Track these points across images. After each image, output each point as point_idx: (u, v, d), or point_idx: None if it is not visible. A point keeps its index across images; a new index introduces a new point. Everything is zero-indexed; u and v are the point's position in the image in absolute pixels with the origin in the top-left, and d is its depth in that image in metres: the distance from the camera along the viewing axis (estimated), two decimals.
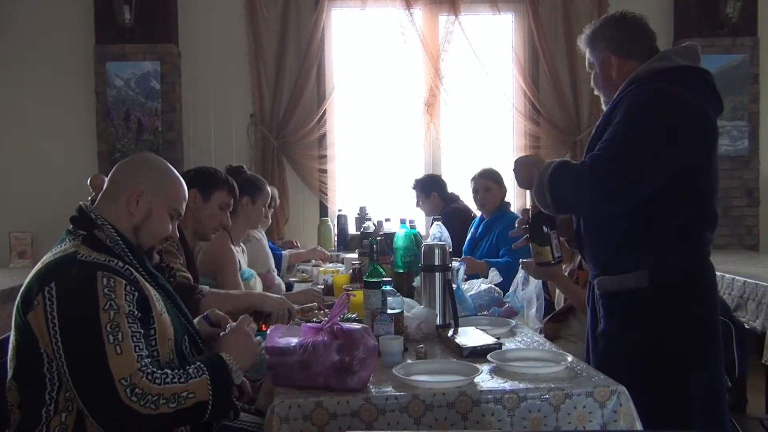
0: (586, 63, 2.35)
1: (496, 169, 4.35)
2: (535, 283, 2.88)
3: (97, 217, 1.80)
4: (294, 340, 1.85)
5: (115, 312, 1.63)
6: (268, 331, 1.95)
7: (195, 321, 2.11)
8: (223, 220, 2.80)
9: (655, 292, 2.09)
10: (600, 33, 2.27)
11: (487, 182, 4.18)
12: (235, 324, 1.94)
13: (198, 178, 2.77)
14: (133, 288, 1.70)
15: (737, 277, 3.87)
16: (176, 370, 1.67)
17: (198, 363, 1.71)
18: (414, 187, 4.92)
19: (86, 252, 1.73)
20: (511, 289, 2.94)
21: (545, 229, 2.24)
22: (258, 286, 3.38)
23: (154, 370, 1.63)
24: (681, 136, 2.04)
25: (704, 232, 2.17)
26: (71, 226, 1.82)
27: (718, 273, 3.96)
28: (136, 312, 1.68)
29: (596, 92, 2.36)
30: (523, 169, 2.26)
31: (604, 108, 2.33)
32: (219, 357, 1.75)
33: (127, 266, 1.75)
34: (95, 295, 1.64)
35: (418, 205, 4.96)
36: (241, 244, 3.47)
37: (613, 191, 2.02)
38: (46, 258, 1.76)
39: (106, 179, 1.90)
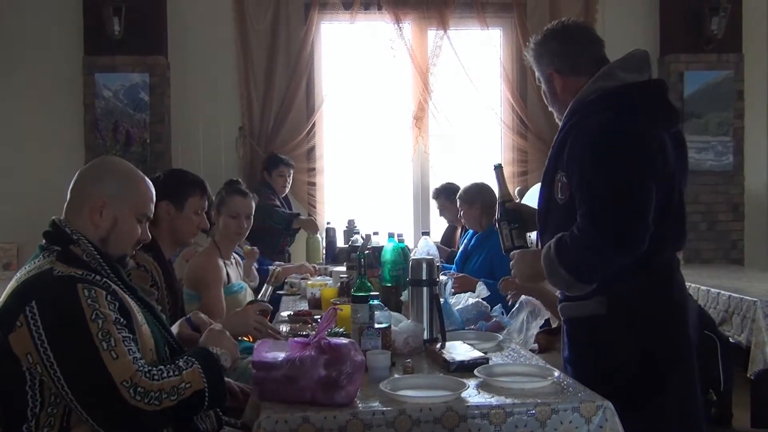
0: (535, 77, 2.26)
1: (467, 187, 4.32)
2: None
3: (72, 232, 1.78)
4: (281, 355, 1.85)
5: (102, 320, 1.64)
6: (255, 345, 1.95)
7: (177, 323, 2.18)
8: (200, 224, 2.73)
9: (612, 319, 2.02)
10: (542, 47, 2.17)
11: (461, 204, 4.18)
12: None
13: (168, 187, 2.63)
14: (113, 298, 1.71)
15: (722, 292, 3.90)
16: (168, 366, 1.71)
17: (186, 357, 1.77)
18: (441, 196, 5.02)
19: (62, 267, 1.71)
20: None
21: (499, 220, 2.38)
22: (249, 298, 3.37)
23: (151, 368, 1.66)
24: (632, 166, 1.96)
25: (664, 253, 2.07)
26: (44, 241, 1.80)
27: (703, 287, 4.05)
28: (122, 319, 1.69)
29: (549, 108, 2.26)
30: (526, 265, 2.19)
31: (558, 122, 2.22)
32: (203, 348, 1.82)
33: (104, 279, 1.74)
34: (80, 307, 1.63)
35: (442, 214, 5.07)
36: (235, 255, 3.46)
37: (629, 234, 1.93)
38: (21, 276, 1.73)
39: (70, 188, 1.86)
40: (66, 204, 1.85)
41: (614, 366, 2.05)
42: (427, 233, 3.25)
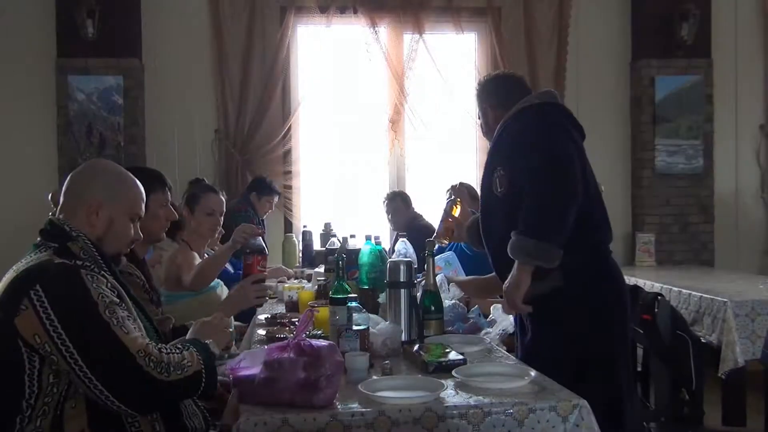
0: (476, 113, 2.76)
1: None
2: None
3: (72, 229, 1.83)
4: (257, 368, 1.84)
5: (109, 300, 1.71)
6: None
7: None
8: (168, 216, 2.72)
9: (568, 290, 2.34)
10: (482, 87, 2.72)
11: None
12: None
13: None
14: (111, 286, 1.78)
15: (693, 293, 3.97)
16: (168, 345, 1.78)
17: (180, 342, 1.84)
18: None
19: (61, 260, 1.76)
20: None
21: None
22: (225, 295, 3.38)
23: (156, 343, 1.74)
24: (558, 135, 2.36)
25: (596, 236, 2.44)
26: (39, 239, 1.83)
27: (674, 288, 4.11)
28: (122, 303, 1.76)
29: (484, 137, 2.75)
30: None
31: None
32: (192, 338, 1.87)
33: (102, 272, 1.80)
34: (85, 287, 1.69)
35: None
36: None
37: (570, 187, 2.28)
38: (18, 267, 1.77)
39: (63, 190, 1.92)
40: (60, 206, 1.90)
41: (571, 335, 2.34)
42: (404, 235, 3.26)
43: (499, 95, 2.64)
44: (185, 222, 3.38)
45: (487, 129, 2.69)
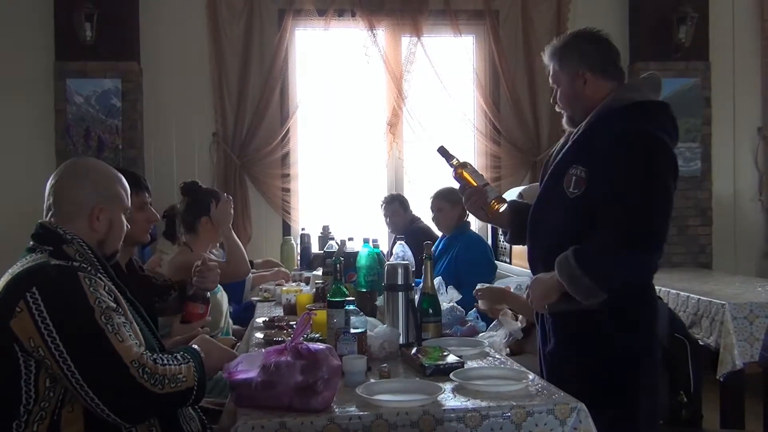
0: (551, 77, 2.30)
1: (453, 189, 4.38)
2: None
3: (65, 233, 1.81)
4: (255, 371, 1.83)
5: (105, 306, 1.69)
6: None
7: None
8: (149, 218, 2.63)
9: (603, 313, 2.12)
10: (573, 48, 2.24)
11: (440, 203, 4.22)
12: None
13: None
14: (109, 290, 1.76)
15: (692, 295, 3.97)
16: (168, 355, 1.76)
17: (181, 351, 1.81)
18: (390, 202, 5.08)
19: (57, 261, 1.75)
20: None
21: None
22: (224, 300, 3.39)
23: (152, 353, 1.72)
24: (667, 175, 2.13)
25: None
26: (32, 243, 1.82)
27: (673, 291, 4.12)
28: (119, 308, 1.75)
29: (558, 108, 2.31)
30: (543, 288, 2.19)
31: (565, 125, 2.31)
32: (195, 350, 1.84)
33: (99, 274, 1.79)
34: (83, 291, 1.67)
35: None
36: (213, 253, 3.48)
37: (659, 236, 2.04)
38: (14, 270, 1.75)
39: (50, 195, 1.88)
40: (52, 211, 1.87)
41: (600, 358, 2.15)
42: (402, 238, 3.26)
43: (601, 59, 2.21)
44: (199, 229, 3.37)
45: (574, 98, 2.22)
